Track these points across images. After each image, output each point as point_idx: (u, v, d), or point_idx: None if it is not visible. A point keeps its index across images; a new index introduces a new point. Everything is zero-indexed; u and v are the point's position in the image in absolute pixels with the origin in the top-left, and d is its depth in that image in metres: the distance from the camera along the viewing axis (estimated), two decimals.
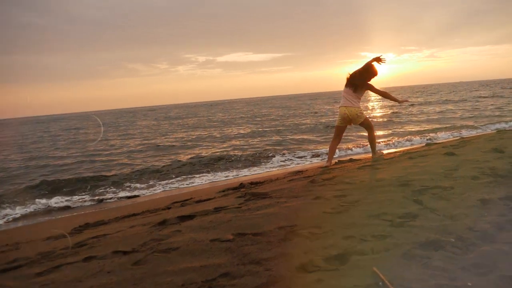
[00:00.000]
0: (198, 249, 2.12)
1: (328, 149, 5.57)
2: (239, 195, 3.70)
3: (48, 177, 8.86)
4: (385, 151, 6.58)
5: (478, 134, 10.07)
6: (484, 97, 30.06)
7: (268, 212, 2.67)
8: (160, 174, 8.41)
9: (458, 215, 2.21)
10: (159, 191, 6.82)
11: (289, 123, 20.02)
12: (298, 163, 8.61)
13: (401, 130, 13.64)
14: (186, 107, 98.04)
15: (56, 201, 6.33)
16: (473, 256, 1.72)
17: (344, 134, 5.55)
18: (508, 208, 2.27)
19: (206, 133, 18.39)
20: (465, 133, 11.38)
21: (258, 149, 11.22)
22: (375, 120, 17.40)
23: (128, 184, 7.55)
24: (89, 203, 6.22)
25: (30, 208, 6.01)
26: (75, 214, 5.54)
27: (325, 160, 5.54)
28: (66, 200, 6.45)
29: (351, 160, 5.58)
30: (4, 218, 5.64)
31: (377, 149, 5.68)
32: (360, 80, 5.06)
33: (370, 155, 5.66)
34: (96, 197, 6.54)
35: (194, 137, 16.96)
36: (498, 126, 12.42)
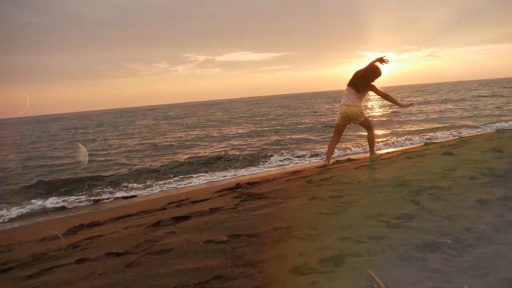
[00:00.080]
0: (191, 251, 2.09)
1: (327, 148, 5.55)
2: (235, 195, 3.67)
3: (45, 177, 8.83)
4: (383, 151, 6.56)
5: (477, 133, 10.05)
6: (484, 96, 30.05)
7: (264, 213, 2.64)
8: (158, 174, 8.38)
9: (456, 216, 2.18)
10: (156, 191, 6.79)
11: (288, 123, 19.99)
12: (296, 163, 8.58)
13: (400, 129, 13.62)
14: (186, 106, 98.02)
15: (52, 201, 6.29)
16: (470, 258, 1.69)
17: (343, 133, 5.52)
18: (506, 209, 2.24)
19: (204, 132, 18.36)
20: (464, 132, 11.36)
21: (257, 149, 11.19)
22: (374, 119, 17.38)
23: (125, 184, 7.51)
24: (86, 203, 6.19)
25: (26, 209, 5.98)
26: (71, 214, 5.50)
27: (324, 159, 5.52)
28: (62, 201, 6.41)
29: (349, 160, 5.56)
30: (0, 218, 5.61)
31: (375, 149, 5.66)
32: (363, 82, 5.05)
33: (368, 154, 5.64)
34: (93, 198, 6.50)
35: (192, 136, 16.93)
36: (498, 125, 12.41)
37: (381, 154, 5.67)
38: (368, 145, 5.65)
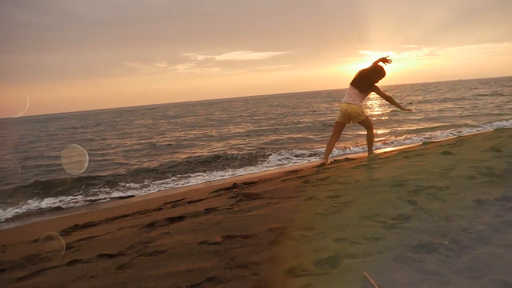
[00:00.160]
0: (185, 252, 2.07)
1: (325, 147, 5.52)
2: (231, 195, 3.64)
3: (42, 177, 8.79)
4: (382, 150, 6.53)
5: (476, 132, 10.02)
6: (484, 95, 30.03)
7: (259, 214, 2.61)
8: (156, 173, 8.34)
9: (453, 216, 2.15)
10: (153, 191, 6.75)
11: (287, 122, 19.97)
12: (295, 162, 8.55)
13: (399, 128, 13.60)
14: (185, 105, 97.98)
15: (49, 201, 6.26)
16: (467, 259, 1.66)
17: (342, 132, 5.49)
18: (504, 209, 2.21)
19: (203, 132, 18.33)
20: (463, 131, 11.34)
21: (256, 148, 11.16)
22: (374, 118, 17.34)
23: (122, 184, 7.47)
24: (82, 203, 6.15)
25: (23, 209, 5.94)
26: (67, 215, 5.47)
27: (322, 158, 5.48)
28: (59, 201, 6.37)
29: (346, 160, 5.52)
30: None
31: (374, 148, 5.63)
32: (367, 82, 5.03)
33: (366, 154, 5.60)
34: (89, 198, 6.47)
35: (191, 136, 16.89)
36: (499, 124, 12.38)
37: (379, 154, 5.64)
38: (366, 144, 5.62)
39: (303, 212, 2.57)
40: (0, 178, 9.08)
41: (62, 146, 16.60)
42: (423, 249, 1.77)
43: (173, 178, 7.71)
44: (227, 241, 2.15)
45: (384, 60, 4.99)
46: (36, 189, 7.35)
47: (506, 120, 13.32)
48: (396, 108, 5.49)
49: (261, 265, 1.78)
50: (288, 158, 9.06)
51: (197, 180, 7.37)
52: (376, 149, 8.17)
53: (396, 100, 5.38)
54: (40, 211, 5.87)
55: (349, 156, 6.35)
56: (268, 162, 8.74)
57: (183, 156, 10.72)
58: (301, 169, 5.44)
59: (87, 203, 6.16)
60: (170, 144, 14.06)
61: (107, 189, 7.09)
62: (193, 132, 18.54)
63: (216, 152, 10.71)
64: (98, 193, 6.88)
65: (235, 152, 10.52)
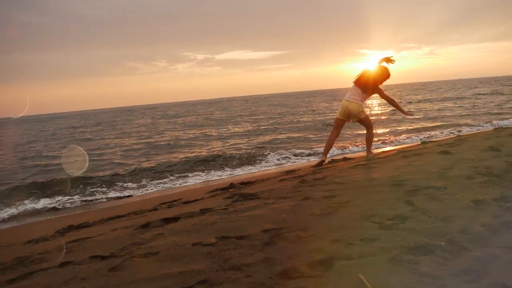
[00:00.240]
0: (178, 254, 2.03)
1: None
2: (227, 195, 3.61)
3: (39, 177, 8.76)
4: (380, 150, 6.50)
5: (475, 132, 9.99)
6: (483, 94, 29.99)
7: (255, 214, 2.58)
8: (154, 173, 8.31)
9: (450, 217, 2.12)
10: (151, 191, 6.72)
11: (286, 121, 19.93)
12: (294, 162, 8.52)
13: (399, 127, 13.57)
14: (185, 105, 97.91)
15: (45, 202, 6.23)
16: (463, 261, 1.63)
17: (341, 132, 5.46)
18: (502, 210, 2.17)
19: (203, 131, 18.29)
20: (463, 130, 11.30)
21: (255, 148, 11.12)
22: (373, 117, 17.30)
23: (120, 184, 7.44)
24: (78, 204, 6.12)
25: (19, 209, 5.91)
26: (63, 215, 5.44)
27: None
28: (56, 201, 6.34)
29: (344, 159, 5.49)
30: None
31: (373, 147, 5.60)
32: (371, 83, 5.02)
33: (365, 153, 5.57)
34: (86, 198, 6.43)
35: (190, 135, 16.86)
36: (499, 123, 12.34)
37: (378, 153, 5.61)
38: (365, 144, 5.59)
39: (298, 212, 2.53)
40: None
41: (60, 146, 16.57)
42: (419, 251, 1.74)
43: (171, 177, 7.68)
44: (221, 242, 2.12)
45: (388, 60, 4.96)
46: (33, 189, 7.30)
47: (508, 119, 13.28)
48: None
49: (255, 267, 1.75)
50: (287, 157, 9.02)
51: (195, 180, 7.34)
52: (375, 148, 8.13)
53: (397, 101, 5.37)
54: (36, 212, 5.84)
55: (348, 156, 6.32)
56: (266, 162, 8.70)
57: (182, 155, 10.69)
58: (299, 169, 5.41)
59: (83, 203, 6.13)
60: (169, 144, 14.03)
61: (104, 189, 7.06)
62: (192, 132, 18.51)
63: (215, 152, 10.68)
64: (95, 193, 6.85)
65: (234, 151, 10.49)
